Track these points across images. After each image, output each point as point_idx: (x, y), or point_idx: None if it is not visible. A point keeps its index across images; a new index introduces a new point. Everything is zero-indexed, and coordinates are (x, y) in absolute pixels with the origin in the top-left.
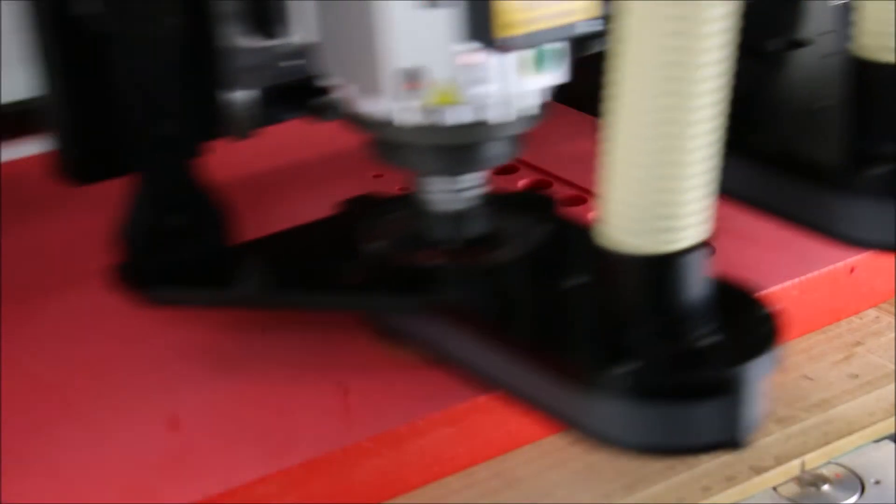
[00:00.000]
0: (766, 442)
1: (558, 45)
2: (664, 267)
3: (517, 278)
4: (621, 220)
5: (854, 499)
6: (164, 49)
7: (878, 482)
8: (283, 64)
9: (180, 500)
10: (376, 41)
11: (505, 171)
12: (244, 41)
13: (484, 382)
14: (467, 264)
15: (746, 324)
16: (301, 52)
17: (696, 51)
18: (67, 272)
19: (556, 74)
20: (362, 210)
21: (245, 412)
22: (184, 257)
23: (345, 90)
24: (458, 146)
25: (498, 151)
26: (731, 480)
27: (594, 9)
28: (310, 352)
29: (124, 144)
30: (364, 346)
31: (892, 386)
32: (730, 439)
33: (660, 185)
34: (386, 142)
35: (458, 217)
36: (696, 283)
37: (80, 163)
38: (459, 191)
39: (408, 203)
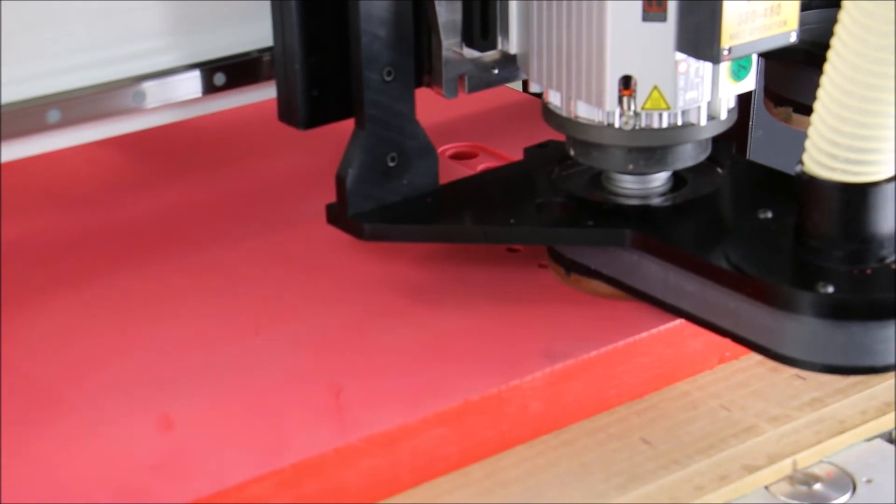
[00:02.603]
0: (758, 441)
1: (751, 56)
2: (862, 195)
3: (711, 212)
4: (826, 154)
5: (846, 497)
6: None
7: (869, 481)
8: (494, 71)
9: (172, 500)
10: (604, 51)
11: (465, 156)
12: (459, 51)
13: (670, 311)
14: (664, 201)
15: None
16: (511, 59)
17: None
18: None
19: (748, 82)
20: (550, 155)
21: (238, 413)
22: (397, 196)
23: (553, 96)
24: (660, 147)
25: (694, 153)
26: (723, 479)
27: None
28: (302, 353)
29: (348, 89)
30: (357, 348)
31: (884, 385)
32: None
33: (863, 125)
34: (590, 143)
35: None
36: (889, 211)
37: (306, 107)
38: (651, 188)
39: None
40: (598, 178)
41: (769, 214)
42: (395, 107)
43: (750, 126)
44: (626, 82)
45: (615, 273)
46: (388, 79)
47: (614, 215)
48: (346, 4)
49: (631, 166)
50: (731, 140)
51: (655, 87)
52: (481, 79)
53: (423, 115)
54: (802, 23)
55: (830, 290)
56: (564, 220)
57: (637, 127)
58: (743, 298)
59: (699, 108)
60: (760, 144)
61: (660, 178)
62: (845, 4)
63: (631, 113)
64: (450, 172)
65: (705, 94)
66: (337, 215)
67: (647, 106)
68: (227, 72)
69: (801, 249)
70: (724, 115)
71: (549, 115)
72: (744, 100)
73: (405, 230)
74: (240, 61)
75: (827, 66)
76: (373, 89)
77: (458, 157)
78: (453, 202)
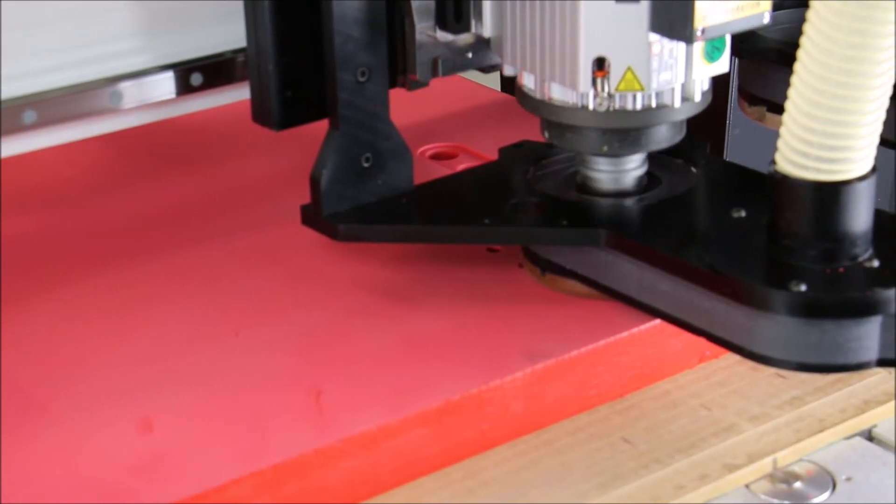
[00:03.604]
0: (738, 440)
1: (724, 37)
2: (834, 194)
3: (685, 211)
4: (798, 153)
5: (826, 495)
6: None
7: (849, 479)
8: (468, 55)
9: (153, 502)
10: (578, 32)
11: (445, 157)
12: (432, 34)
13: (645, 311)
14: (638, 201)
15: None
16: (485, 43)
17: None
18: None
19: (722, 64)
20: (524, 155)
21: (218, 415)
22: (372, 196)
23: (528, 78)
24: (635, 129)
25: (668, 134)
26: (704, 478)
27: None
28: (282, 354)
29: (321, 90)
30: (336, 349)
31: (863, 383)
32: (895, 357)
33: (835, 123)
34: (565, 125)
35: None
36: (862, 210)
37: (279, 108)
38: (625, 171)
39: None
40: (572, 178)
41: (743, 213)
42: (369, 107)
43: (727, 124)
44: (600, 64)
45: (590, 273)
46: (361, 79)
47: (589, 215)
48: (319, 5)
49: (605, 148)
50: (707, 139)
51: (629, 69)
52: (455, 62)
53: (404, 115)
54: (775, 22)
55: (803, 288)
56: (539, 219)
57: (611, 108)
58: (717, 297)
59: (673, 89)
60: (738, 143)
61: (634, 178)
62: (813, 3)
63: (605, 94)
64: (430, 173)
65: (679, 75)
66: (311, 216)
67: (621, 87)
68: (204, 72)
69: (774, 248)
70: (698, 97)
71: (524, 97)
72: (721, 98)
73: (380, 231)
74: (215, 62)
75: (797, 66)
76: (346, 90)
77: (438, 157)
78: (428, 202)
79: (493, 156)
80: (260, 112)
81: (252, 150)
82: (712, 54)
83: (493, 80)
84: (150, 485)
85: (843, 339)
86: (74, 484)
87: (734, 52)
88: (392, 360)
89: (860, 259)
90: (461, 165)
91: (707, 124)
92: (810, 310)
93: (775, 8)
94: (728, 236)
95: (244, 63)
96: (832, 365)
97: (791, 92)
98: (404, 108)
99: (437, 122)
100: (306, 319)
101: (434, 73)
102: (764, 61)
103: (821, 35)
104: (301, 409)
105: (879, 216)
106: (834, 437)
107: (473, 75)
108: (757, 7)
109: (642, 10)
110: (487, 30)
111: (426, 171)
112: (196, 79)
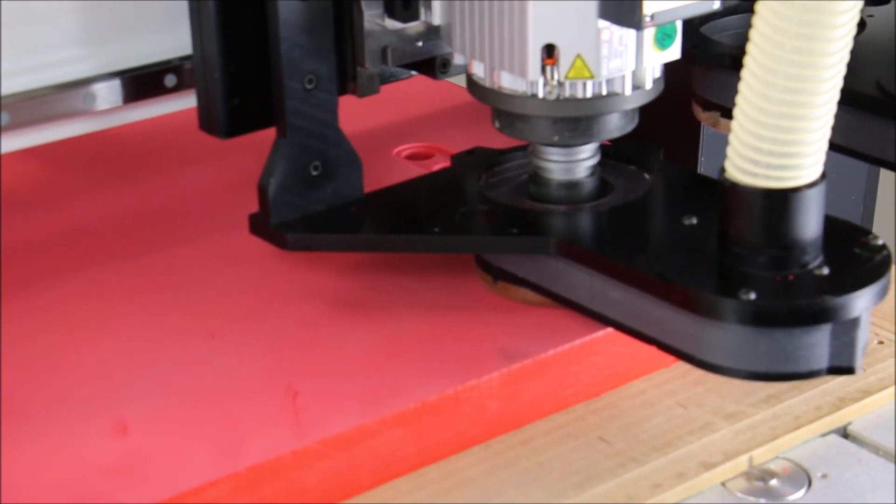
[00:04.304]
0: (714, 438)
1: (675, 24)
2: (783, 201)
3: (637, 219)
4: (747, 160)
5: (801, 493)
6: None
7: (824, 476)
8: (419, 44)
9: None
10: (526, 20)
11: (421, 157)
12: (381, 22)
13: (596, 319)
14: (590, 208)
15: (857, 255)
16: (436, 31)
17: (825, 26)
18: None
19: (673, 51)
20: (477, 162)
21: (194, 416)
22: (321, 205)
23: (477, 67)
24: (586, 118)
25: (620, 123)
26: (680, 477)
27: None
28: (258, 355)
29: (269, 97)
30: (312, 349)
31: (838, 381)
32: (846, 364)
33: (783, 130)
34: (515, 114)
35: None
36: (811, 217)
37: (226, 116)
38: (578, 160)
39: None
40: (524, 186)
41: (694, 220)
42: (318, 115)
43: (702, 125)
44: (549, 51)
45: (541, 281)
46: (309, 87)
47: (539, 223)
48: (265, 12)
49: (556, 137)
50: (659, 144)
51: (579, 56)
52: (405, 51)
53: (378, 115)
54: (728, 27)
55: (753, 296)
56: (489, 228)
57: (561, 97)
58: (667, 306)
59: (624, 77)
60: (712, 143)
61: (586, 185)
62: (759, 8)
63: (554, 82)
64: (406, 173)
65: (630, 62)
66: (260, 225)
67: (571, 75)
68: (151, 79)
69: (724, 256)
70: (649, 85)
71: (474, 86)
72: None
73: (329, 240)
74: (161, 69)
75: (744, 72)
76: (294, 97)
77: (413, 157)
78: (378, 211)
79: None
80: (207, 120)
81: (200, 158)
82: (663, 41)
83: None
84: (126, 487)
85: (794, 347)
86: (49, 487)
87: (687, 58)
88: (367, 362)
89: (810, 266)
90: (437, 166)
91: (681, 124)
92: (760, 318)
93: (728, 12)
94: (679, 244)
95: (191, 70)
96: (782, 373)
97: (739, 99)
98: (379, 108)
99: (412, 122)
100: (282, 321)
101: (384, 62)
102: (717, 66)
103: (767, 41)
104: (278, 410)
105: (830, 223)
106: (809, 435)
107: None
108: None
109: None
110: (437, 17)
111: (402, 172)
112: (142, 86)
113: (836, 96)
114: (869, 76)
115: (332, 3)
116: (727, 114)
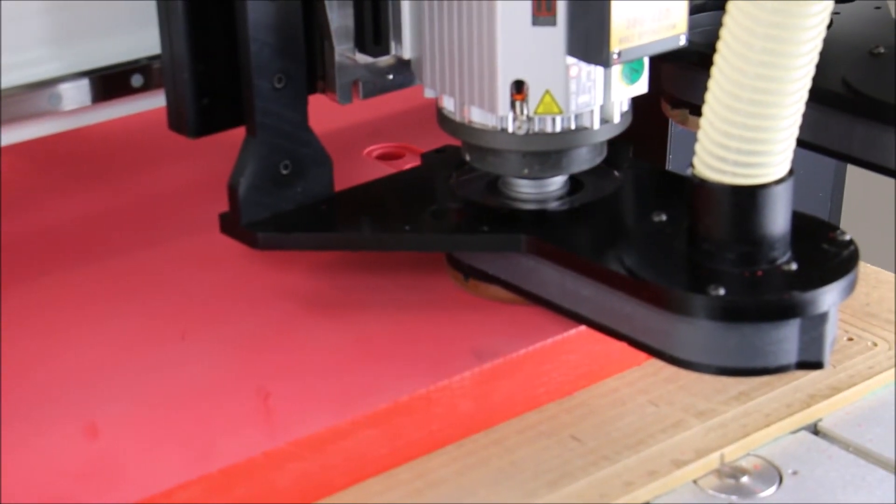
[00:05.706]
0: (686, 436)
1: (643, 58)
2: (752, 197)
3: (607, 216)
4: (716, 157)
5: (772, 490)
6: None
7: (795, 473)
8: (389, 77)
9: None
10: (495, 56)
11: (392, 157)
12: (352, 56)
13: (567, 316)
14: (560, 205)
15: (825, 251)
16: (407, 65)
17: (794, 27)
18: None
19: (641, 85)
20: (448, 161)
21: (165, 418)
22: (292, 204)
23: (447, 101)
24: (555, 151)
25: (589, 156)
26: (652, 474)
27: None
28: (229, 356)
29: (238, 97)
30: (283, 350)
31: (808, 377)
32: (814, 359)
33: (752, 128)
34: (485, 148)
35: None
36: (779, 213)
37: (195, 115)
38: (548, 191)
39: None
40: (495, 184)
41: (663, 217)
42: (287, 114)
43: (670, 122)
44: (519, 87)
45: (512, 278)
46: (278, 86)
47: (509, 220)
48: (234, 12)
49: (526, 171)
50: (630, 141)
51: (547, 92)
52: (375, 84)
53: (349, 115)
54: (696, 25)
55: (722, 292)
56: (460, 226)
57: (531, 131)
58: (637, 302)
59: (592, 111)
60: (680, 140)
61: (556, 183)
62: (730, 8)
63: (524, 117)
64: (376, 173)
65: (598, 97)
66: (230, 224)
67: (540, 110)
68: (119, 79)
69: (693, 252)
70: (617, 119)
71: (444, 120)
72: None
73: (299, 239)
74: (129, 69)
75: (714, 70)
76: (263, 97)
77: (384, 157)
78: (349, 210)
79: None
80: (176, 120)
81: (169, 158)
82: (631, 76)
83: None
84: (98, 490)
85: (763, 343)
86: (19, 491)
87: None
88: (339, 363)
89: (779, 262)
90: (408, 165)
91: (650, 121)
92: (729, 314)
93: (697, 10)
94: (648, 240)
95: (159, 70)
96: (752, 368)
97: (708, 96)
98: (350, 107)
99: (383, 121)
100: (246, 325)
101: (355, 96)
102: (686, 64)
103: (736, 39)
104: (249, 411)
105: (798, 219)
106: (780, 432)
107: None
108: (673, 29)
109: (559, 34)
110: (407, 52)
111: (372, 172)
112: (112, 86)
113: (805, 96)
114: (835, 73)
115: (301, 2)
116: (696, 111)
